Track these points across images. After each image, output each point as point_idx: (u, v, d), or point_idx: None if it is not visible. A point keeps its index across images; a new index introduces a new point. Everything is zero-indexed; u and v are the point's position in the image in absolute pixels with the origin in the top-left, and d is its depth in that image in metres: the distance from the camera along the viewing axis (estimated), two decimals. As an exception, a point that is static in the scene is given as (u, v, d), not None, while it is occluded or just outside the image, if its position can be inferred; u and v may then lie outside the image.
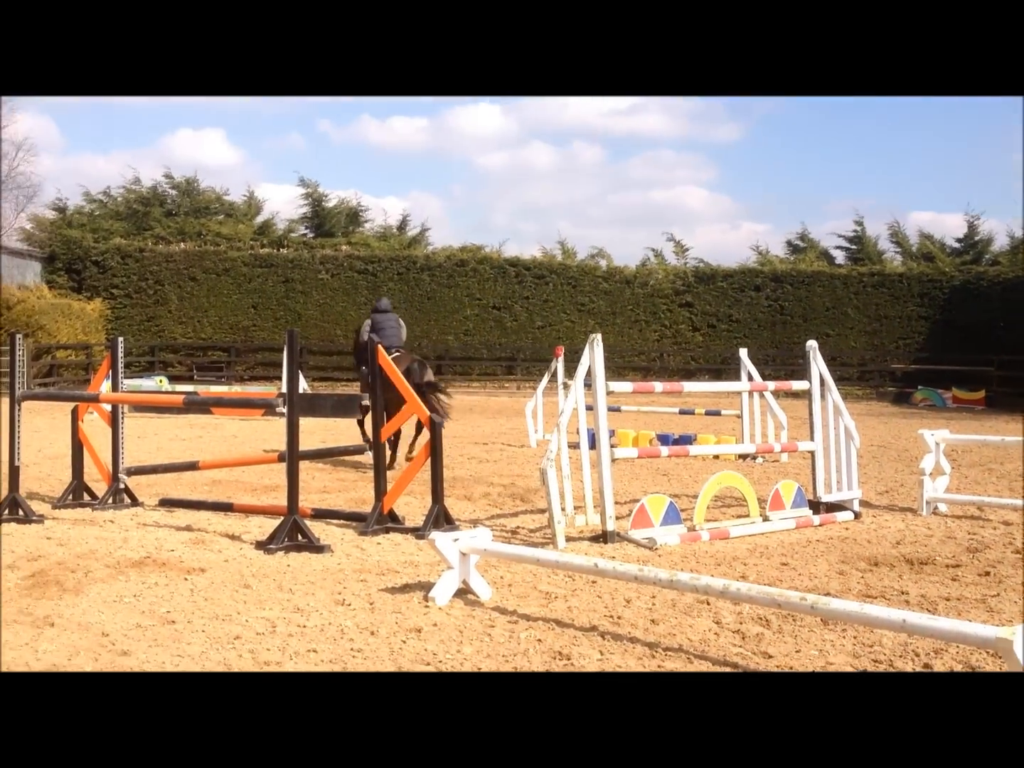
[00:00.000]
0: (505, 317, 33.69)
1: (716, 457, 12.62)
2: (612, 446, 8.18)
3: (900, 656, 4.67)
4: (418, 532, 7.59)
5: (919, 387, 28.78)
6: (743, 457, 12.77)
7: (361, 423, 12.57)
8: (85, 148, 75.29)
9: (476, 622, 5.24)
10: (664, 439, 13.98)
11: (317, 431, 14.90)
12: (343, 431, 16.18)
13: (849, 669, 4.49)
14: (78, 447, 9.10)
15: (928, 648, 4.74)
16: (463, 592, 5.71)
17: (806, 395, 8.84)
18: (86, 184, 52.62)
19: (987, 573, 6.48)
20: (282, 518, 7.31)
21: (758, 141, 74.15)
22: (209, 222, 35.04)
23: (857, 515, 8.61)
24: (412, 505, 8.87)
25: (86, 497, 8.97)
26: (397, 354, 12.02)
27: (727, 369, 30.84)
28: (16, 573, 6.26)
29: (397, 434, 10.78)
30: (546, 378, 15.55)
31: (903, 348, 32.61)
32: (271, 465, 10.53)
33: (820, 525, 8.26)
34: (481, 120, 73.00)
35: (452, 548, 5.60)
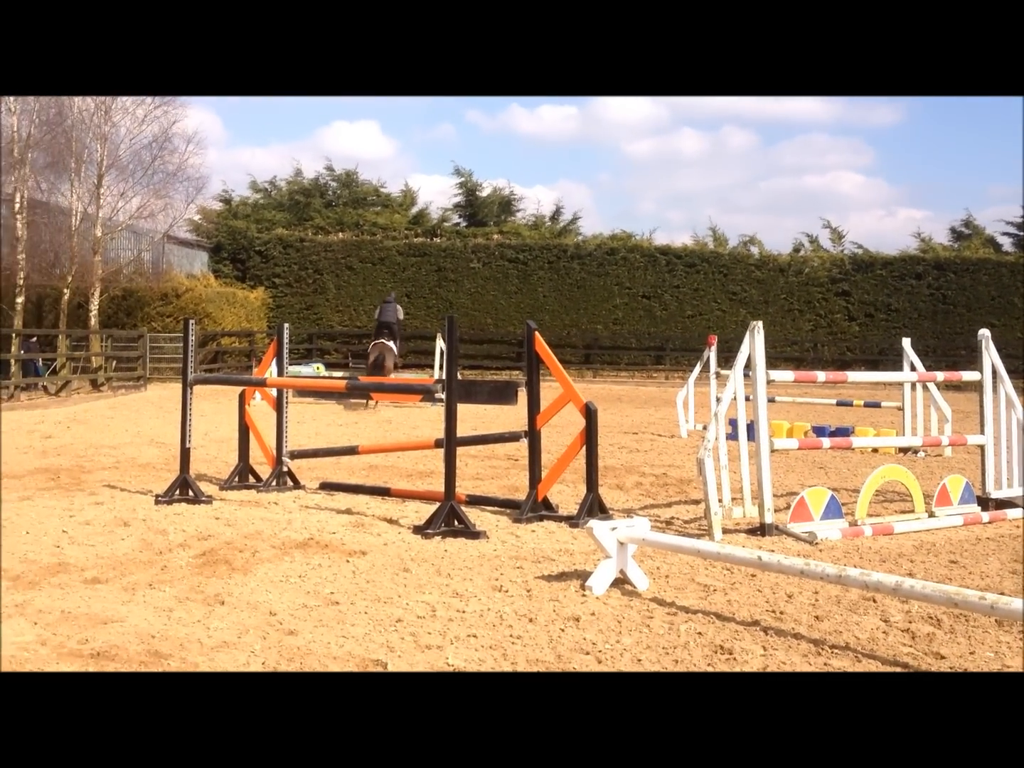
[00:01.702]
0: (655, 306, 33.43)
1: (875, 450, 12.25)
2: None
3: (1084, 662, 4.44)
4: (572, 520, 7.60)
5: (1092, 380, 27.33)
6: (903, 451, 12.35)
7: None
8: (246, 141, 78.00)
9: (634, 612, 5.21)
10: (820, 431, 13.63)
11: (468, 418, 15.06)
12: (494, 418, 16.33)
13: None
14: (244, 430, 9.41)
15: (1115, 655, 4.49)
16: (619, 582, 5.68)
17: (967, 388, 8.51)
18: (246, 177, 54.44)
19: None
20: (438, 504, 7.41)
21: (917, 124, 71.59)
22: (366, 212, 35.81)
23: None
24: (564, 493, 8.88)
25: (251, 479, 9.28)
26: (378, 341, 19.99)
27: (884, 360, 29.92)
28: (188, 551, 6.52)
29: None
30: (698, 367, 15.35)
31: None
32: (425, 451, 10.71)
33: (989, 522, 7.92)
34: (631, 107, 72.55)
35: (610, 537, 5.57)
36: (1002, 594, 5.36)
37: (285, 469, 9.27)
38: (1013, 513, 8.12)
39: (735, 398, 7.84)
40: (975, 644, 4.70)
